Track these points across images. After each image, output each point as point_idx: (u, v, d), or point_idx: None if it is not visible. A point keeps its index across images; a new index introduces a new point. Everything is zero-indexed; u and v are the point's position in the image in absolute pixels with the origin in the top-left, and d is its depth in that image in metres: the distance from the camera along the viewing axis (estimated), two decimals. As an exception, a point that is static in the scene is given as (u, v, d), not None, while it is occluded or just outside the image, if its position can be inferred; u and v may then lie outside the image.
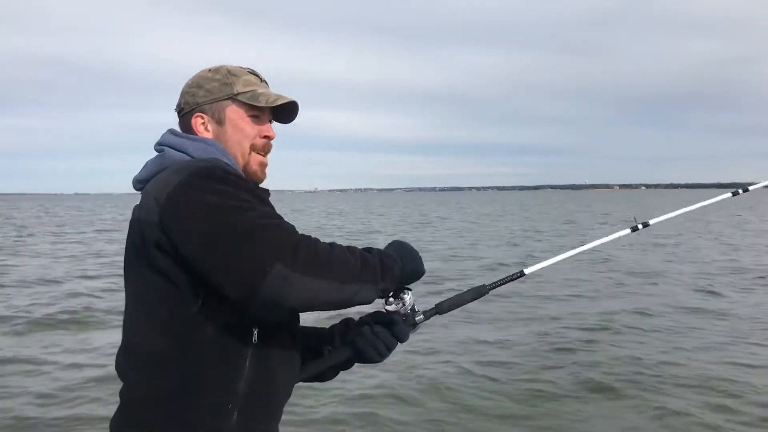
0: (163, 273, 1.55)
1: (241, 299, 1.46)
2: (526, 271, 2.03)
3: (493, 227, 31.78)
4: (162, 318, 1.58)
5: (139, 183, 1.69)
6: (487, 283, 1.98)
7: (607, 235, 2.29)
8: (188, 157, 1.66)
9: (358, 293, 1.54)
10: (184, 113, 1.77)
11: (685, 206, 2.46)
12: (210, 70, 1.78)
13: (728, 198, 2.63)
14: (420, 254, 1.75)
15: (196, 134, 1.74)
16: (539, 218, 40.49)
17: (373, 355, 1.77)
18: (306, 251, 1.46)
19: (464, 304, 1.94)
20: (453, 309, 1.92)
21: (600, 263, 14.71)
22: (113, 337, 7.93)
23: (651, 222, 2.33)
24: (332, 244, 1.56)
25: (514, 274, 2.02)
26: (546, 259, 2.11)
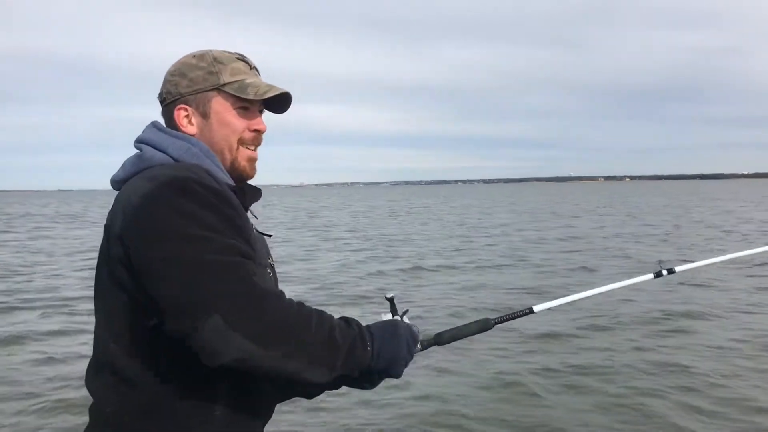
0: (126, 290, 1.45)
1: (177, 337, 1.34)
2: (536, 308, 1.94)
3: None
4: (127, 335, 1.47)
5: (117, 183, 1.58)
6: (492, 317, 1.88)
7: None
8: (168, 158, 1.55)
9: (305, 373, 1.38)
10: (167, 103, 1.65)
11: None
12: (194, 56, 1.64)
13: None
14: (411, 353, 1.58)
15: (179, 128, 1.62)
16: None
17: (364, 386, 1.65)
18: (255, 306, 1.33)
19: (466, 336, 1.85)
20: (454, 341, 1.83)
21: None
22: None
23: (677, 269, 2.24)
24: (300, 306, 1.41)
25: (522, 311, 1.94)
26: (558, 297, 2.02)
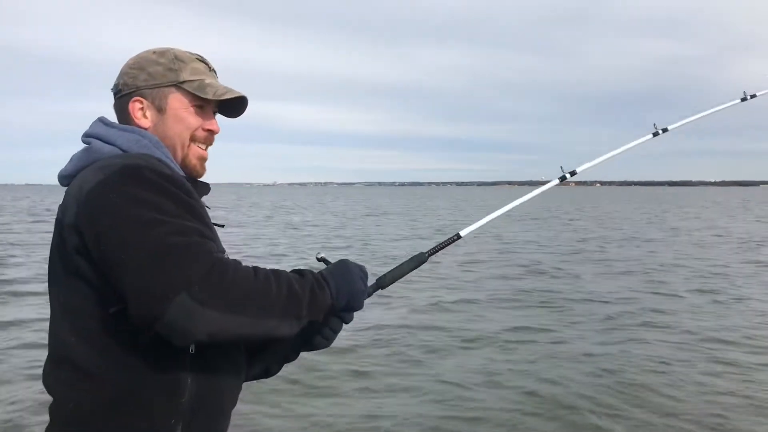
0: (86, 279, 1.43)
1: (143, 324, 1.32)
2: (462, 233, 2.03)
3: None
4: (89, 328, 1.44)
5: (65, 178, 1.57)
6: (424, 250, 1.94)
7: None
8: (118, 150, 1.54)
9: (277, 329, 1.42)
10: (122, 95, 1.64)
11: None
12: (155, 52, 1.65)
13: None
14: (365, 285, 1.64)
15: (132, 120, 1.62)
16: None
17: (321, 342, 1.72)
18: (219, 280, 1.33)
19: (405, 274, 1.89)
20: (394, 281, 1.86)
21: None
22: None
23: (578, 170, 2.42)
24: (256, 270, 1.42)
25: (450, 238, 2.01)
26: (479, 219, 2.12)
